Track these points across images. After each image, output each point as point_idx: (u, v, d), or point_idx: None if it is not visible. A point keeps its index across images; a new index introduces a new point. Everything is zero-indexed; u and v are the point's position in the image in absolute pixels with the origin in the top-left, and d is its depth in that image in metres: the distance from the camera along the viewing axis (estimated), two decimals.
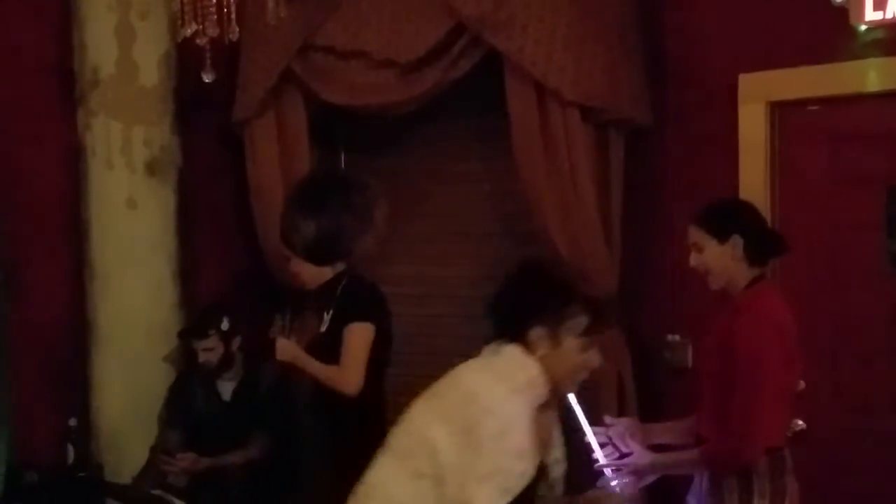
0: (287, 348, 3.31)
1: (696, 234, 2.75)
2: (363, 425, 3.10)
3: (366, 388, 3.18)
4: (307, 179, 3.53)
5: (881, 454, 3.37)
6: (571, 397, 2.71)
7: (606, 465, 2.81)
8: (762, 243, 2.74)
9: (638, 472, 2.79)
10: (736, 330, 2.64)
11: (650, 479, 2.85)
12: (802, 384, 3.47)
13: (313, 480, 3.49)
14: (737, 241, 2.70)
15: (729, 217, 2.74)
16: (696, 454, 2.72)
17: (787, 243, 2.80)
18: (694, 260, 2.75)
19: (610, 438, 2.85)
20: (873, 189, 3.35)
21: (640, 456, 2.81)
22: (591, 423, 2.83)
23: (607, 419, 2.94)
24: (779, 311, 2.74)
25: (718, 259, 2.70)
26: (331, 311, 3.31)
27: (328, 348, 3.26)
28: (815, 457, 3.46)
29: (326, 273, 3.33)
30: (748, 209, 2.82)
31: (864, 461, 3.40)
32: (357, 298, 3.27)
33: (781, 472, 2.75)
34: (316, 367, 3.24)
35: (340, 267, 3.33)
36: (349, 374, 3.17)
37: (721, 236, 2.70)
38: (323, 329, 3.34)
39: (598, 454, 2.80)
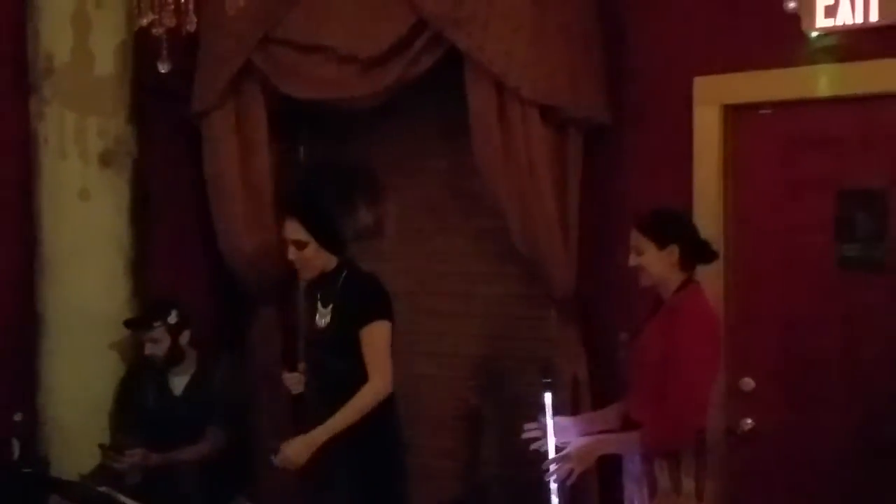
0: (301, 450, 3.20)
1: (637, 238, 3.03)
2: (384, 417, 3.23)
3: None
4: (345, 166, 3.50)
5: (829, 452, 3.44)
6: (547, 397, 3.00)
7: (554, 459, 3.02)
8: (695, 252, 3.03)
9: (581, 456, 3.00)
10: (677, 327, 2.93)
11: (590, 461, 3.06)
12: (752, 383, 3.56)
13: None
14: (673, 250, 3.00)
15: (669, 227, 3.03)
16: (637, 435, 2.95)
17: (716, 253, 3.09)
18: (633, 261, 3.05)
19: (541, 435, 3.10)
20: (824, 192, 3.44)
21: (581, 440, 3.04)
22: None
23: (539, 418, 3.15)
24: (711, 311, 3.06)
25: (655, 263, 3.00)
26: (330, 305, 3.28)
27: (334, 344, 3.27)
28: (764, 454, 3.53)
29: (333, 262, 3.32)
30: (686, 220, 3.12)
31: (813, 458, 3.47)
32: (369, 295, 3.28)
33: (703, 451, 3.00)
34: (345, 417, 3.19)
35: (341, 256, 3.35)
36: (385, 377, 3.22)
37: (660, 243, 2.99)
38: (322, 324, 3.31)
39: (552, 451, 3.04)
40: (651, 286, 3.05)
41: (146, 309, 3.86)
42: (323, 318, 3.33)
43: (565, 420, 3.19)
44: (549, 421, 3.08)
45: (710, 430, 3.04)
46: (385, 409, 3.27)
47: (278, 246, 3.70)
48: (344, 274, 3.34)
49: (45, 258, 3.85)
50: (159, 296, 3.91)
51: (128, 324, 3.86)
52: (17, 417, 3.74)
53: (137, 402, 3.85)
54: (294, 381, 3.40)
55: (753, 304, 3.57)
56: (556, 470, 2.99)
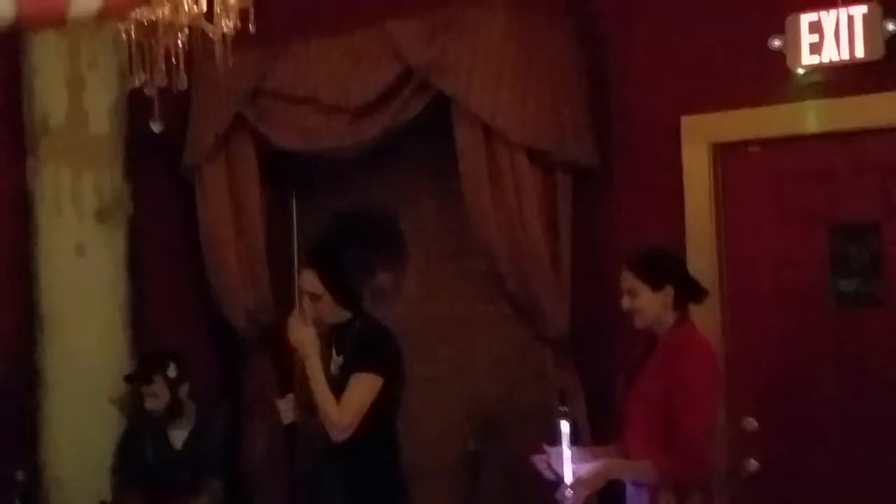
0: (303, 333, 3.17)
1: (630, 281, 3.01)
2: (378, 470, 3.17)
3: (381, 435, 3.20)
4: (371, 218, 3.45)
5: (832, 488, 3.39)
6: (564, 425, 2.92)
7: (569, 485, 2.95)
8: (688, 291, 3.03)
9: (591, 480, 2.96)
10: (679, 362, 2.93)
11: (599, 485, 3.01)
12: (755, 423, 3.52)
13: None
14: (668, 290, 2.98)
15: (663, 268, 3.01)
16: (650, 464, 2.93)
17: (706, 291, 3.09)
18: (627, 303, 3.02)
19: (549, 464, 3.02)
20: (815, 227, 3.42)
21: (592, 465, 2.99)
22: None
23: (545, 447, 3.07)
24: (710, 346, 3.07)
25: (651, 305, 2.99)
26: (342, 355, 3.27)
27: (341, 388, 3.20)
28: (769, 495, 3.48)
29: (346, 314, 3.29)
30: (678, 260, 3.11)
31: (817, 497, 3.41)
32: (370, 346, 3.23)
33: (709, 486, 2.98)
34: (320, 383, 3.14)
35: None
36: (344, 416, 3.13)
37: (655, 284, 2.97)
38: (335, 371, 3.28)
39: (568, 478, 2.95)
40: (647, 327, 3.04)
41: (145, 363, 3.89)
42: (335, 365, 3.32)
43: (568, 450, 3.05)
44: (566, 449, 2.95)
45: (713, 468, 3.03)
46: (388, 459, 3.25)
47: (274, 295, 3.71)
48: (357, 325, 3.30)
49: (43, 314, 3.90)
50: (157, 349, 3.93)
51: (128, 378, 3.88)
52: (19, 476, 3.76)
53: (138, 456, 3.87)
54: (285, 408, 3.35)
55: (750, 342, 3.54)
56: (571, 496, 2.92)
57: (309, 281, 3.27)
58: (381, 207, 3.71)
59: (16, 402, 3.91)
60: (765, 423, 3.51)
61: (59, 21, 1.68)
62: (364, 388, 3.16)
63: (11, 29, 1.66)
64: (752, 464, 3.51)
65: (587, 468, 2.97)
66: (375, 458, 3.21)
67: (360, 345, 3.25)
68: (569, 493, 2.92)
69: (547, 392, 3.66)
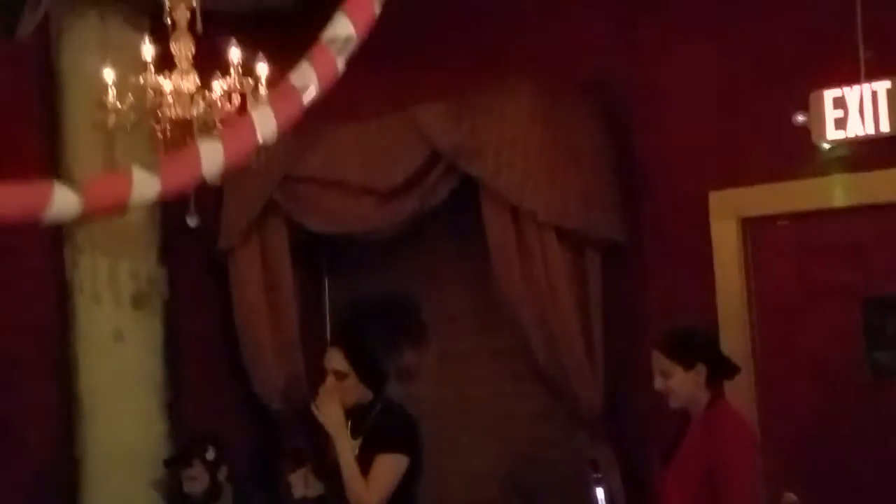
0: (333, 413, 3.22)
1: (662, 362, 2.99)
2: None
3: None
4: (393, 304, 3.50)
5: None
6: (599, 492, 3.03)
7: None
8: (721, 368, 3.01)
9: None
10: (718, 441, 2.91)
11: None
12: (794, 498, 3.48)
13: None
14: (701, 369, 2.95)
15: (694, 346, 2.99)
16: None
17: (738, 367, 3.07)
18: (659, 384, 3.00)
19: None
20: (847, 300, 3.41)
21: None
22: None
23: None
24: (747, 423, 3.08)
25: (684, 384, 2.97)
26: (360, 437, 3.29)
27: (362, 469, 3.22)
28: None
29: (369, 395, 3.32)
30: (708, 336, 3.11)
31: None
32: (394, 427, 3.28)
33: None
34: (349, 462, 3.18)
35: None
36: (374, 496, 3.18)
37: (687, 364, 2.95)
38: (356, 452, 3.27)
39: None
40: (681, 408, 3.03)
41: (184, 446, 3.92)
42: (355, 447, 3.33)
43: None
44: None
45: None
46: None
47: (308, 376, 3.73)
48: (378, 407, 3.34)
49: (82, 400, 3.95)
50: (196, 433, 3.96)
51: (167, 462, 3.91)
52: None
53: None
54: (298, 482, 3.36)
55: (786, 416, 3.52)
56: None
57: (335, 360, 3.32)
58: (402, 292, 3.77)
59: (57, 486, 3.94)
60: (805, 497, 3.47)
61: (121, 210, 1.72)
62: (391, 467, 3.21)
63: (77, 221, 1.71)
64: None
65: None
66: None
67: (383, 426, 3.29)
68: None
69: (582, 467, 3.65)
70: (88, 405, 3.94)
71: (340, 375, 3.30)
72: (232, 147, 1.90)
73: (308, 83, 1.91)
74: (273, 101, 1.92)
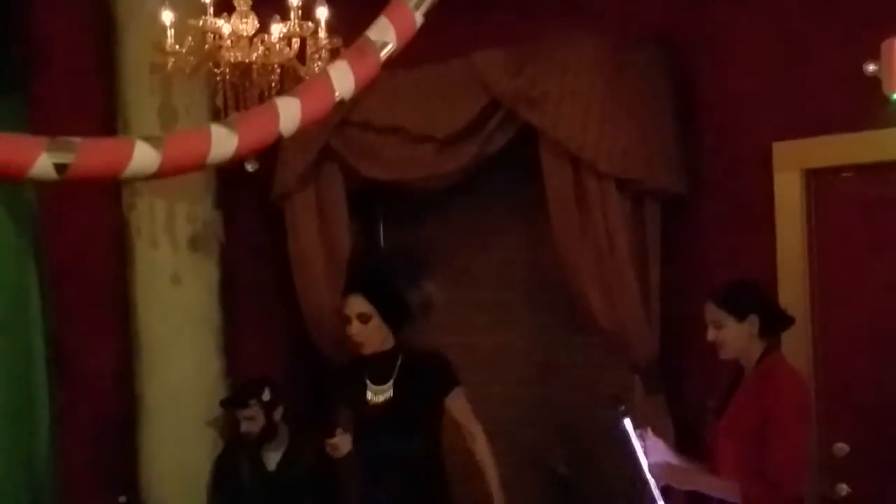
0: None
1: (714, 313, 3.00)
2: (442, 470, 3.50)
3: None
4: (407, 248, 3.77)
5: None
6: (627, 422, 3.05)
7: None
8: (774, 320, 3.00)
9: (673, 477, 3.05)
10: (770, 394, 2.91)
11: (679, 485, 3.09)
12: (846, 448, 3.50)
13: None
14: (753, 320, 2.96)
15: (746, 297, 2.99)
16: (738, 487, 2.92)
17: (793, 319, 3.06)
18: (712, 335, 3.01)
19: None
20: None
21: (681, 466, 3.09)
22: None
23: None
24: (800, 377, 3.07)
25: (737, 336, 2.98)
26: (390, 381, 3.41)
27: (401, 420, 3.40)
28: None
29: (390, 340, 3.47)
30: (760, 289, 3.08)
31: None
32: (445, 367, 3.47)
33: None
34: (493, 472, 3.46)
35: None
36: (477, 428, 3.48)
37: (740, 315, 2.96)
38: (380, 400, 3.44)
39: (650, 479, 3.04)
40: (733, 359, 3.03)
41: (241, 388, 3.99)
42: (378, 395, 3.44)
43: (661, 443, 3.18)
44: (637, 443, 3.08)
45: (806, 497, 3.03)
46: (442, 470, 3.48)
47: None
48: (402, 351, 3.45)
49: (141, 343, 4.01)
50: (252, 375, 4.03)
51: (224, 403, 3.99)
52: (122, 500, 3.90)
53: (233, 479, 3.97)
54: (343, 441, 3.46)
55: (843, 368, 3.50)
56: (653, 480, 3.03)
57: (358, 304, 3.46)
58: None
59: (118, 428, 4.04)
60: (856, 448, 3.48)
61: (199, 167, 1.70)
62: (466, 399, 3.47)
63: (154, 177, 1.69)
64: (843, 488, 3.49)
65: (674, 466, 3.06)
66: (440, 459, 3.49)
67: (430, 371, 3.45)
68: (651, 478, 3.03)
69: (636, 421, 3.67)
70: (147, 347, 4.01)
71: (365, 318, 3.44)
72: (310, 104, 1.88)
73: (386, 40, 1.88)
74: (350, 57, 1.89)
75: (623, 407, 3.13)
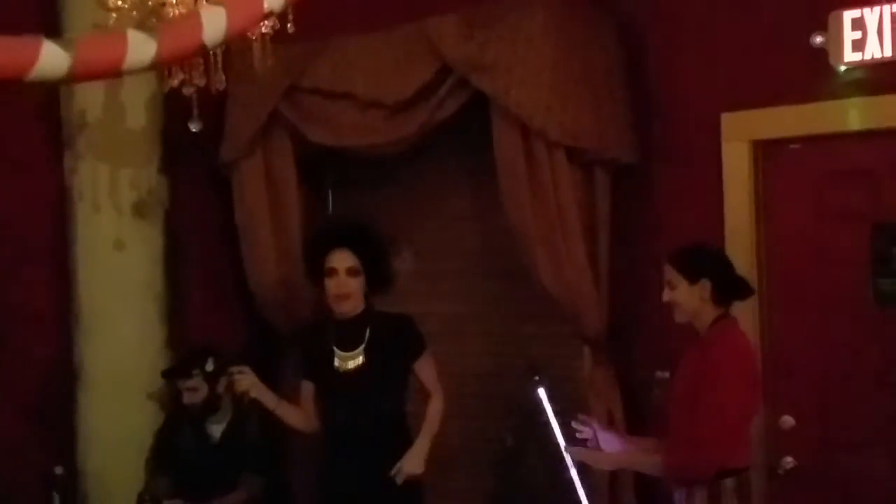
0: (419, 462, 3.40)
1: (669, 273, 3.02)
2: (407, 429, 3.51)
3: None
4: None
5: (870, 489, 3.38)
6: (541, 392, 3.13)
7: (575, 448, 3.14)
8: (728, 287, 3.00)
9: (601, 461, 3.13)
10: (708, 360, 2.91)
11: (606, 468, 3.24)
12: (791, 421, 3.52)
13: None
14: (705, 284, 2.97)
15: (700, 262, 3.01)
16: (659, 461, 2.97)
17: (752, 289, 3.08)
18: (666, 295, 3.04)
19: (593, 430, 3.15)
20: (857, 226, 3.40)
21: (611, 444, 3.13)
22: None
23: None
24: (747, 345, 3.04)
25: (687, 298, 2.99)
26: (360, 347, 3.38)
27: (375, 384, 3.38)
28: (805, 493, 3.47)
29: (361, 305, 3.46)
30: (718, 255, 3.09)
31: (854, 497, 3.41)
32: (413, 330, 3.48)
33: (748, 494, 2.96)
34: (434, 429, 3.43)
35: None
36: (444, 398, 3.50)
37: (692, 278, 2.97)
38: (350, 366, 3.40)
39: (560, 439, 3.18)
40: (686, 322, 3.02)
41: (183, 358, 3.90)
42: (347, 361, 3.39)
43: (610, 434, 3.20)
44: (551, 415, 3.16)
45: (751, 468, 3.01)
46: (409, 433, 3.46)
47: (308, 287, 3.72)
48: (370, 316, 3.41)
49: (81, 309, 3.91)
50: (195, 344, 3.95)
51: (166, 374, 3.90)
52: (58, 471, 3.79)
53: (175, 450, 3.88)
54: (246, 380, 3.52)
55: (790, 340, 3.53)
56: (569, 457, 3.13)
57: (346, 257, 3.42)
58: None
59: (54, 397, 3.93)
60: (802, 421, 3.50)
61: (114, 73, 1.64)
62: (433, 363, 3.49)
63: (65, 81, 1.62)
64: (789, 461, 3.51)
65: (610, 452, 3.10)
66: (407, 423, 3.51)
67: (399, 334, 3.43)
68: (567, 454, 3.14)
69: (584, 391, 3.67)
70: (87, 314, 3.91)
71: (354, 272, 3.41)
72: (236, 14, 1.82)
73: None
74: None
75: (537, 377, 3.14)
